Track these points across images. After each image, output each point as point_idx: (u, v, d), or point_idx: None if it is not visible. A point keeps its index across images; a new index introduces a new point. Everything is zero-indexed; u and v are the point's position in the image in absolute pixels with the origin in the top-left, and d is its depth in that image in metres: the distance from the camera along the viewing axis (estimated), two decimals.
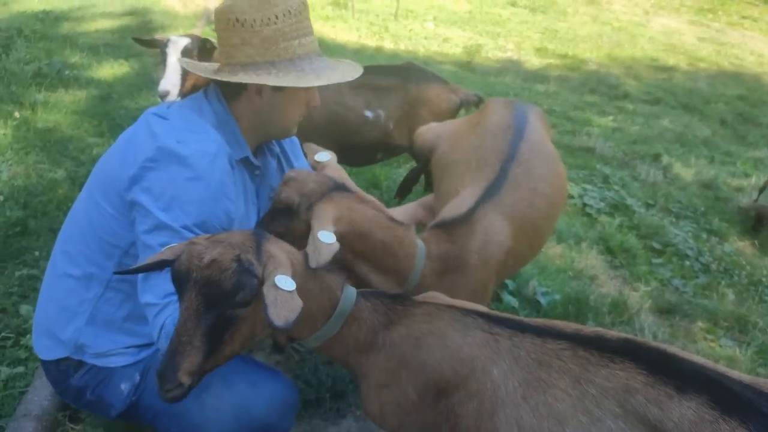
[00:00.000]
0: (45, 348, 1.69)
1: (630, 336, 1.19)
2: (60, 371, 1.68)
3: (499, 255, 1.74)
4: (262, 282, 1.09)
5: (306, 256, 1.28)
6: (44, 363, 1.72)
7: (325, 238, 1.33)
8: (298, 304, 1.04)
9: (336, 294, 1.30)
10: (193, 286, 1.08)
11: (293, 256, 1.23)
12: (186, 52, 2.83)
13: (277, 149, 1.93)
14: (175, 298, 1.47)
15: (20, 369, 2.16)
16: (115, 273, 1.35)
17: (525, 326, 1.24)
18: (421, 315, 1.30)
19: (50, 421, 1.98)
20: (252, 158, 1.72)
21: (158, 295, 1.47)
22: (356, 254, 1.57)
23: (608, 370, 1.13)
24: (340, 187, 1.56)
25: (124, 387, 1.67)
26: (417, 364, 1.25)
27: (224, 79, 1.58)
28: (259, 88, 1.62)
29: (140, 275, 1.51)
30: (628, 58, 9.96)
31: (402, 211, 2.07)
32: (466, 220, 1.72)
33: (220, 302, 1.08)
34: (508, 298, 2.67)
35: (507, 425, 1.15)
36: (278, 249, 1.17)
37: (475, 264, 1.69)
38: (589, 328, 1.22)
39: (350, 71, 1.69)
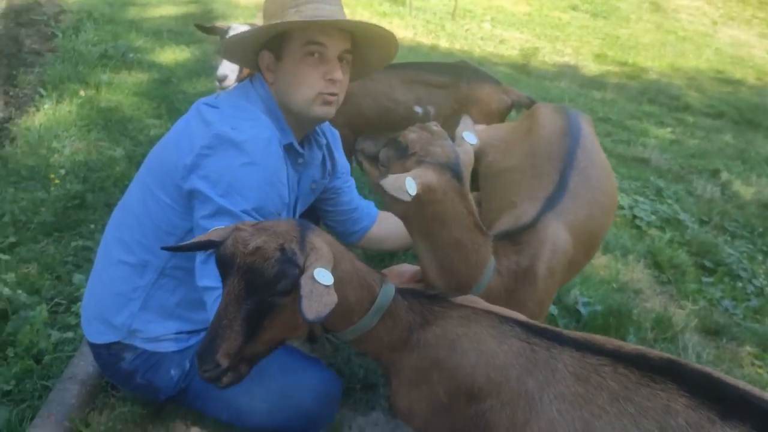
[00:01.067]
0: (96, 332, 1.75)
1: (673, 357, 1.15)
2: (111, 355, 1.74)
3: (564, 264, 1.72)
4: (303, 272, 1.10)
5: (349, 251, 1.29)
6: (94, 346, 1.78)
7: (409, 184, 1.35)
8: (332, 299, 1.05)
9: (375, 289, 1.31)
10: (237, 272, 1.10)
11: (336, 248, 1.23)
12: None
13: (323, 141, 1.92)
14: None
15: (69, 334, 2.26)
16: (163, 248, 1.39)
17: (564, 339, 1.21)
18: (457, 318, 1.29)
19: (94, 386, 2.07)
20: (296, 145, 1.73)
21: (218, 279, 1.51)
22: (426, 233, 1.54)
23: (649, 390, 1.10)
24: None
25: (174, 373, 1.73)
26: (450, 367, 1.25)
27: (232, 37, 1.64)
28: (267, 64, 1.65)
29: (198, 260, 1.56)
30: (692, 69, 9.63)
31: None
32: (531, 229, 1.68)
33: (261, 289, 1.09)
34: None
35: None
36: (322, 241, 1.18)
37: (544, 274, 1.65)
38: (631, 346, 1.18)
39: (339, 15, 1.61)
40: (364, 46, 1.72)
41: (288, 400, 1.64)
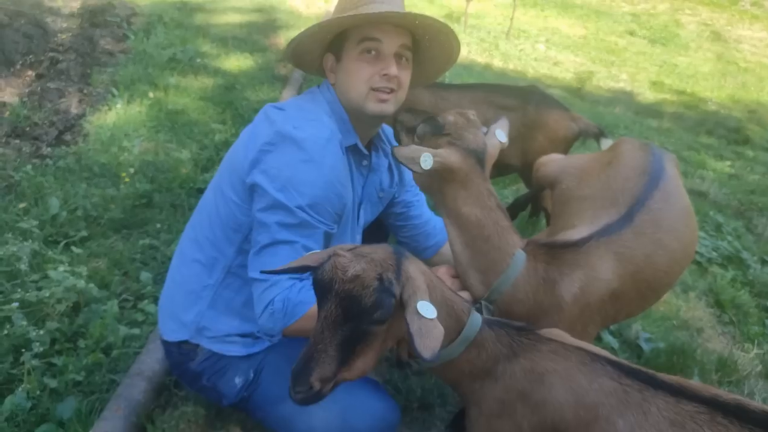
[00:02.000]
0: (169, 330, 1.81)
1: None
2: (181, 354, 1.79)
3: (602, 294, 1.65)
4: (398, 302, 1.12)
5: (439, 279, 1.30)
6: (167, 345, 1.84)
7: (425, 158, 1.47)
8: (440, 331, 1.06)
9: (462, 318, 1.31)
10: (334, 297, 1.10)
11: (428, 277, 1.24)
12: None
13: (389, 148, 1.94)
14: (285, 277, 1.55)
15: (136, 330, 2.33)
16: (262, 272, 1.44)
17: (658, 382, 1.19)
18: (547, 352, 1.28)
19: (159, 383, 2.12)
20: (360, 146, 1.77)
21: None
22: (451, 209, 1.62)
23: None
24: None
25: (238, 381, 1.76)
26: (537, 401, 1.23)
27: (294, 40, 1.70)
28: (330, 66, 1.73)
29: (252, 251, 1.61)
30: (753, 101, 9.36)
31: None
32: (574, 247, 1.66)
33: (358, 316, 1.10)
34: (608, 338, 2.57)
35: None
36: (416, 270, 1.19)
37: (573, 296, 1.61)
38: (729, 395, 1.14)
39: (396, 6, 1.63)
40: (424, 45, 1.77)
41: (346, 424, 1.64)
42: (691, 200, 4.82)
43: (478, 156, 1.60)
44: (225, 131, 4.01)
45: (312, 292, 1.53)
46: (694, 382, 1.19)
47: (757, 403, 1.13)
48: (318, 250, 1.24)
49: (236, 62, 5.35)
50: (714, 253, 3.81)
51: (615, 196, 1.86)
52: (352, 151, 1.76)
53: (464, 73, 6.94)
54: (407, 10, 1.66)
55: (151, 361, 2.16)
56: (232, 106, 4.39)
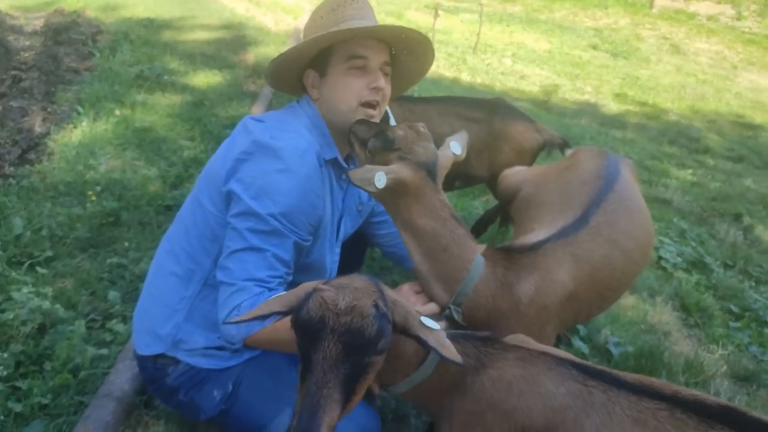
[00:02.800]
0: (144, 344, 1.78)
1: (731, 404, 1.15)
2: (156, 369, 1.76)
3: (558, 296, 1.69)
4: (394, 327, 1.10)
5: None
6: (142, 360, 1.81)
7: (378, 178, 1.49)
8: (448, 341, 1.08)
9: None
10: (331, 335, 1.01)
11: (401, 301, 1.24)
12: None
13: None
14: (254, 284, 1.54)
15: (105, 351, 2.28)
16: (225, 323, 1.46)
17: (621, 382, 1.22)
18: (513, 359, 1.30)
19: (129, 404, 2.08)
20: (341, 160, 1.79)
21: (237, 276, 1.55)
22: (407, 223, 1.65)
23: None
24: (428, 168, 1.64)
25: (216, 394, 1.74)
26: (507, 409, 1.25)
27: (281, 56, 1.72)
28: (311, 82, 1.75)
29: (222, 255, 1.61)
30: (712, 112, 9.66)
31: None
32: (531, 250, 1.70)
33: (362, 349, 1.02)
34: (578, 343, 2.62)
35: None
36: (395, 294, 1.20)
37: (530, 298, 1.64)
38: (689, 391, 1.18)
39: (374, 23, 1.71)
40: (401, 58, 1.84)
41: None
42: (656, 208, 4.95)
43: (429, 168, 1.62)
44: (194, 148, 3.98)
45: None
46: (656, 380, 1.22)
47: (714, 398, 1.16)
48: (282, 293, 1.17)
49: (204, 79, 5.33)
50: (679, 259, 3.91)
51: (571, 200, 1.91)
52: (332, 164, 1.78)
53: (432, 87, 7.02)
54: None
55: (120, 381, 2.12)
56: (200, 123, 4.36)
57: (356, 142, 1.71)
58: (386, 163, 1.60)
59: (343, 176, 1.84)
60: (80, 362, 2.18)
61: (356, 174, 1.51)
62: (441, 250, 1.63)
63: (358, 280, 1.14)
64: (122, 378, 2.13)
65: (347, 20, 1.68)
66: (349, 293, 1.06)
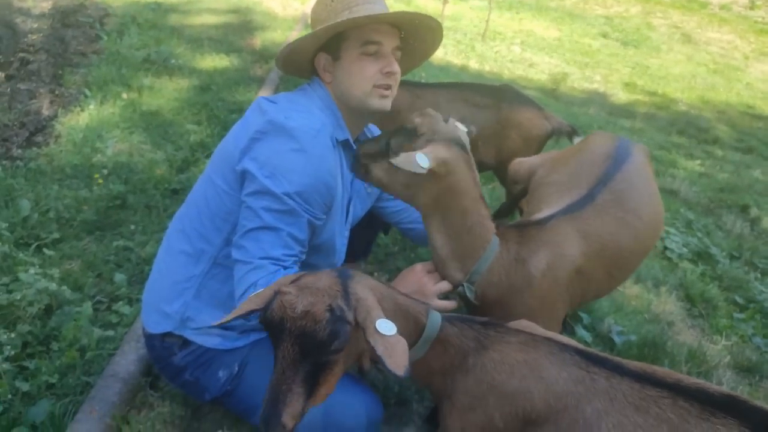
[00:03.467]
0: (153, 322, 1.80)
1: (734, 392, 1.15)
2: (164, 347, 1.78)
3: (568, 269, 1.72)
4: (354, 326, 1.12)
5: (389, 287, 1.32)
6: (149, 338, 1.83)
7: (420, 159, 1.47)
8: (404, 345, 1.07)
9: (421, 320, 1.32)
10: (288, 336, 1.09)
11: (377, 290, 1.25)
12: None
13: None
14: (269, 262, 1.56)
15: (111, 332, 2.30)
16: (212, 326, 1.45)
17: (624, 369, 1.22)
18: (516, 343, 1.30)
19: (134, 385, 2.10)
20: (352, 141, 1.81)
21: (253, 255, 1.57)
22: (437, 205, 1.63)
23: (708, 424, 1.10)
24: (459, 144, 1.63)
25: (222, 374, 1.76)
26: (508, 392, 1.26)
27: (293, 43, 1.72)
28: (324, 65, 1.76)
29: (237, 234, 1.62)
30: (722, 102, 9.57)
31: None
32: (540, 226, 1.73)
33: (316, 351, 1.09)
34: (582, 332, 2.62)
35: None
36: (365, 289, 1.19)
37: (542, 272, 1.68)
38: (691, 379, 1.19)
39: (382, 7, 1.72)
40: (410, 42, 1.86)
41: (330, 419, 1.65)
42: (663, 198, 4.92)
43: (458, 143, 1.62)
44: (200, 132, 3.98)
45: None
46: (659, 368, 1.23)
47: (717, 387, 1.17)
48: (261, 290, 1.21)
49: (211, 63, 5.32)
50: (684, 249, 3.89)
51: (579, 179, 1.94)
52: (343, 146, 1.79)
53: (441, 74, 6.98)
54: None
55: (126, 362, 2.14)
56: (207, 107, 4.36)
57: (370, 161, 1.68)
58: (418, 146, 1.59)
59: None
60: (87, 343, 2.21)
61: (399, 160, 1.48)
62: (466, 231, 1.64)
63: (324, 279, 1.15)
64: (128, 359, 2.16)
65: (359, 4, 1.69)
66: (309, 296, 1.10)
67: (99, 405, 1.96)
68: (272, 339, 1.13)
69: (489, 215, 1.69)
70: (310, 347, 1.08)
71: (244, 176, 1.62)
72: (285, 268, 1.58)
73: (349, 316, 1.11)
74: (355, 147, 1.82)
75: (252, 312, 1.17)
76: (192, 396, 1.94)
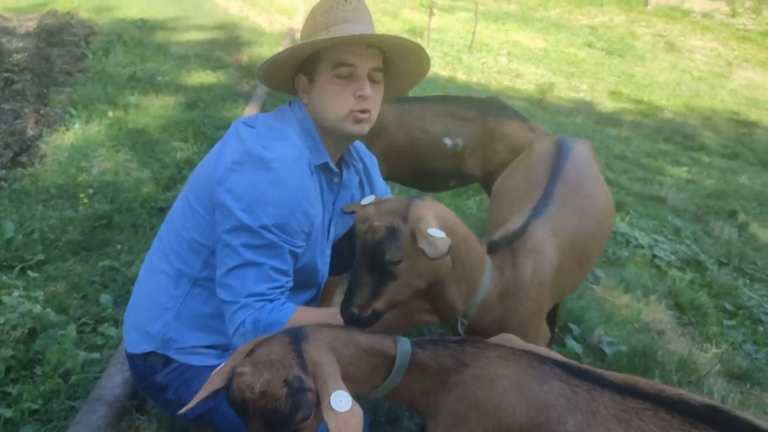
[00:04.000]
0: (134, 342, 1.77)
1: (715, 403, 1.15)
2: (146, 366, 1.76)
3: (550, 271, 1.76)
4: (315, 392, 1.10)
5: (349, 331, 1.30)
6: (132, 357, 1.80)
7: (436, 233, 1.34)
8: (358, 420, 1.05)
9: (389, 353, 1.30)
10: (253, 415, 1.10)
11: (337, 342, 1.23)
12: None
13: (360, 165, 1.97)
14: (254, 299, 1.54)
15: (96, 355, 2.27)
16: (179, 414, 1.42)
17: (605, 382, 1.21)
18: (495, 358, 1.29)
19: (120, 408, 2.07)
20: (331, 164, 1.76)
21: (239, 294, 1.55)
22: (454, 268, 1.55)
23: None
24: (415, 197, 1.51)
25: None
26: (490, 407, 1.24)
27: (267, 62, 1.69)
28: (303, 86, 1.72)
29: (219, 273, 1.59)
30: (707, 109, 9.68)
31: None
32: (519, 235, 1.74)
33: (282, 425, 1.09)
34: (572, 343, 2.61)
35: None
36: (320, 349, 1.17)
37: (531, 281, 1.69)
38: (673, 390, 1.18)
39: (367, 26, 1.65)
40: (396, 63, 1.79)
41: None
42: (651, 206, 4.95)
43: (418, 198, 1.51)
44: (187, 149, 3.97)
45: (283, 312, 1.54)
46: (641, 380, 1.22)
47: (698, 397, 1.16)
48: (223, 364, 1.21)
49: (198, 79, 5.32)
50: (673, 257, 3.91)
51: (533, 179, 2.03)
52: (322, 169, 1.75)
53: (428, 86, 7.02)
54: (375, 28, 1.70)
55: (111, 385, 2.11)
56: (194, 124, 4.35)
57: (375, 302, 1.41)
58: (412, 246, 1.36)
59: (335, 180, 1.83)
60: (71, 366, 2.17)
61: (435, 251, 1.29)
62: (467, 267, 1.58)
63: (276, 349, 1.14)
64: (114, 382, 2.12)
65: (338, 23, 1.64)
66: (265, 372, 1.09)
67: (84, 430, 1.92)
68: (239, 415, 1.14)
69: (478, 242, 1.63)
70: (275, 423, 1.09)
71: (217, 207, 1.59)
72: (271, 301, 1.56)
73: (309, 383, 1.10)
74: (335, 170, 1.77)
75: (216, 392, 1.18)
76: (176, 415, 1.90)
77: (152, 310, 1.74)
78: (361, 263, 1.35)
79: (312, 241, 1.75)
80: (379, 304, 1.37)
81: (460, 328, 1.67)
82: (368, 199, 1.59)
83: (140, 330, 1.76)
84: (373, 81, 1.68)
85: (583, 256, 1.92)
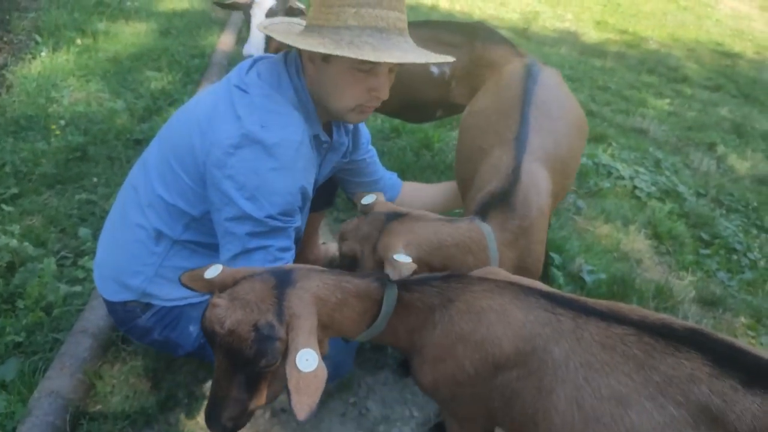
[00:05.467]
0: (111, 291, 1.72)
1: (697, 326, 1.17)
2: (127, 311, 1.72)
3: (548, 201, 1.78)
4: (285, 342, 1.07)
5: (339, 275, 1.26)
6: (110, 303, 1.75)
7: (401, 258, 1.33)
8: (320, 382, 1.01)
9: (376, 297, 1.29)
10: (219, 350, 1.09)
11: (323, 290, 1.20)
12: (271, 14, 2.81)
13: (350, 126, 1.88)
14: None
15: (78, 288, 2.25)
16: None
17: (589, 309, 1.23)
18: (480, 291, 1.29)
19: (105, 340, 2.07)
20: (322, 135, 1.67)
21: (237, 246, 1.52)
22: (438, 269, 1.52)
23: (673, 359, 1.12)
24: (392, 217, 1.52)
25: (193, 329, 1.72)
26: (477, 340, 1.25)
27: (276, 37, 1.53)
28: (311, 56, 1.54)
29: (224, 258, 1.53)
30: (692, 40, 9.54)
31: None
32: (516, 185, 1.69)
33: (245, 366, 1.08)
34: (553, 272, 2.66)
35: (566, 403, 1.16)
36: (303, 300, 1.13)
37: (537, 218, 1.70)
38: (656, 315, 1.20)
39: (413, 56, 1.45)
40: None
41: None
42: (632, 138, 4.93)
43: (392, 219, 1.51)
44: (161, 78, 3.82)
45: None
46: (624, 306, 1.23)
47: (681, 321, 1.18)
48: (217, 269, 1.20)
49: (170, 5, 5.07)
50: (653, 188, 3.94)
51: (505, 104, 2.01)
52: (314, 139, 1.66)
53: (410, 13, 6.76)
54: None
55: (95, 317, 2.11)
56: (167, 52, 4.17)
57: (353, 255, 1.51)
58: (379, 264, 1.43)
59: (324, 146, 1.74)
60: (53, 300, 2.16)
61: (398, 273, 1.30)
62: (468, 255, 1.56)
63: (258, 288, 1.11)
64: (97, 314, 2.12)
65: (369, 6, 1.42)
66: (238, 311, 1.07)
67: (70, 361, 1.93)
68: (209, 342, 1.12)
69: (469, 222, 1.61)
70: (239, 362, 1.08)
71: (216, 190, 1.49)
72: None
73: (280, 333, 1.06)
74: (324, 139, 1.68)
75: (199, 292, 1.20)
76: (165, 352, 1.92)
77: (131, 264, 1.67)
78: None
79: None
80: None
81: None
82: (369, 198, 1.60)
83: (118, 281, 1.70)
84: (390, 71, 1.56)
85: (563, 178, 1.94)
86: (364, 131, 2.02)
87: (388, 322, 1.31)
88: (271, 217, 1.48)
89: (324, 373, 1.03)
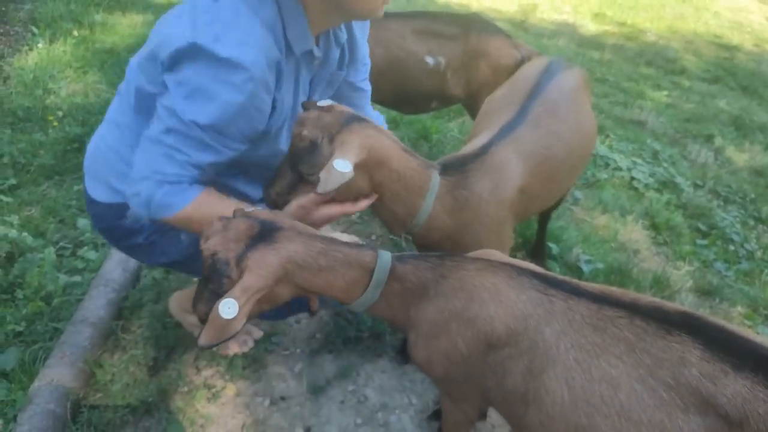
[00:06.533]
0: (101, 193, 1.64)
1: (689, 310, 1.18)
2: (110, 209, 1.63)
3: (511, 193, 1.72)
4: (234, 282, 1.18)
5: (330, 243, 1.28)
6: (93, 202, 1.66)
7: (340, 166, 1.34)
8: (229, 331, 1.14)
9: (368, 265, 1.30)
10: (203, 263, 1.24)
11: (309, 247, 1.24)
12: None
13: (343, 38, 1.72)
14: (160, 177, 1.41)
15: (77, 278, 2.26)
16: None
17: (581, 291, 1.23)
18: (474, 270, 1.30)
19: (105, 329, 2.08)
20: (315, 51, 1.56)
21: (149, 165, 1.41)
22: (373, 184, 1.54)
23: (664, 342, 1.12)
24: (357, 118, 1.49)
25: (185, 237, 1.66)
26: (469, 317, 1.27)
27: None
28: None
29: (146, 132, 1.43)
30: (690, 32, 9.53)
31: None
32: (479, 156, 1.69)
33: (206, 281, 1.23)
34: (550, 262, 2.67)
35: (556, 383, 1.17)
36: (265, 260, 1.19)
37: (487, 201, 1.66)
38: (647, 298, 1.20)
39: None
40: None
41: None
42: (630, 129, 4.94)
43: (352, 118, 1.48)
44: None
45: (181, 196, 1.42)
46: (616, 289, 1.24)
47: (673, 305, 1.19)
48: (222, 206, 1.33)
49: None
50: (651, 179, 3.95)
51: (513, 97, 1.94)
52: (305, 55, 1.55)
53: (408, 6, 6.78)
54: None
55: (95, 307, 2.12)
56: None
57: (286, 195, 1.52)
58: (328, 157, 1.42)
59: (315, 62, 1.62)
60: (53, 290, 2.17)
61: (323, 182, 1.33)
62: (404, 191, 1.57)
63: (241, 228, 1.21)
64: (97, 304, 2.13)
65: None
66: (218, 236, 1.21)
67: (70, 350, 1.94)
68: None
69: (420, 163, 1.60)
70: (205, 276, 1.23)
71: (162, 83, 1.41)
72: (171, 184, 1.42)
73: (231, 273, 1.18)
74: (317, 54, 1.58)
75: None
76: (140, 259, 1.82)
77: (118, 165, 1.59)
78: (288, 158, 1.45)
79: (273, 138, 1.60)
80: (295, 201, 1.46)
81: (404, 244, 1.69)
82: (326, 102, 1.53)
83: (107, 184, 1.62)
84: None
85: (551, 182, 1.86)
86: (363, 47, 1.86)
87: (383, 294, 1.32)
88: (196, 123, 1.36)
89: (236, 326, 1.15)
